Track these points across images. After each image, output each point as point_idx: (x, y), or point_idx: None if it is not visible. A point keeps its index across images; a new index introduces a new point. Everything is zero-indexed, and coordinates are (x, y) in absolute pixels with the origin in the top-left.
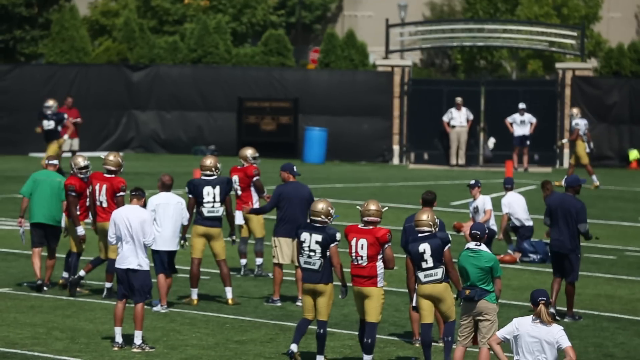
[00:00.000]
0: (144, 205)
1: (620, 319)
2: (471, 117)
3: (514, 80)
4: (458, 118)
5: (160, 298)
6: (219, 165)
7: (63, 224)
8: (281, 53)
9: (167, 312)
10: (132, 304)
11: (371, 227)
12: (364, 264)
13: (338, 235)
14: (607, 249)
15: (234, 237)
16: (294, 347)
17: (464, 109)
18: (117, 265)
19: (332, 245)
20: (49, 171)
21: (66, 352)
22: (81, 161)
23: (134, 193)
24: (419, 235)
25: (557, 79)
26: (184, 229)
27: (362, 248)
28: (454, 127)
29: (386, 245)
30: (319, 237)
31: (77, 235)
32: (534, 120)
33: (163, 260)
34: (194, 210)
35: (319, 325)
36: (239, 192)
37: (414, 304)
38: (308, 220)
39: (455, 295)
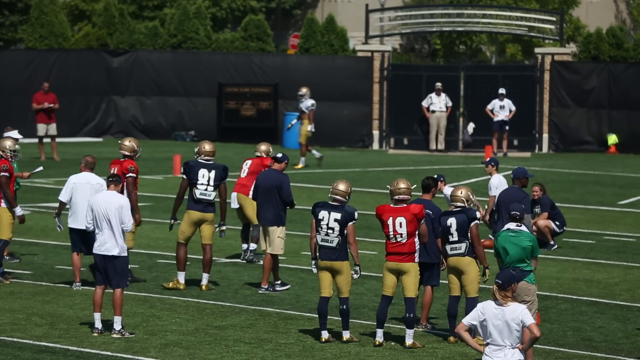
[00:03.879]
0: (121, 191)
1: (598, 303)
2: (450, 104)
3: (494, 65)
4: (437, 103)
5: (75, 276)
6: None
7: None
8: (261, 38)
9: (146, 297)
10: (111, 290)
11: (404, 205)
12: (404, 241)
13: (356, 214)
14: (585, 233)
15: (223, 228)
16: (325, 334)
17: (443, 95)
18: (95, 251)
19: (350, 223)
20: None
21: (46, 338)
22: (11, 144)
23: (110, 179)
24: (452, 209)
25: (536, 63)
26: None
27: (400, 226)
28: (433, 112)
29: (422, 221)
30: (338, 215)
31: (18, 216)
32: (513, 107)
33: (76, 239)
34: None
35: (341, 302)
36: (244, 175)
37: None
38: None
39: (481, 273)
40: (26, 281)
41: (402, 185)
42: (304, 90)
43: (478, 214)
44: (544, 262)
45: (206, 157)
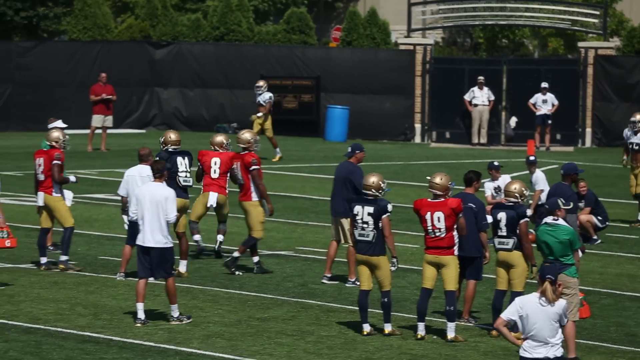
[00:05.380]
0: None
1: None
2: (492, 97)
3: (536, 59)
4: (480, 97)
5: (121, 266)
6: None
7: (41, 202)
8: (303, 31)
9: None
10: (156, 281)
11: (441, 200)
12: (443, 235)
13: (389, 207)
14: (629, 228)
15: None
16: (366, 328)
17: (485, 88)
18: (139, 243)
19: (383, 216)
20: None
21: (89, 328)
22: (61, 135)
23: (156, 173)
24: (506, 203)
25: (580, 57)
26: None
27: (439, 221)
28: (475, 105)
29: (460, 215)
30: (370, 209)
31: (74, 181)
32: (556, 102)
33: (133, 232)
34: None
35: (382, 295)
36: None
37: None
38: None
39: (529, 270)
40: (70, 271)
41: (437, 180)
42: (260, 83)
43: (529, 212)
44: (587, 256)
45: (174, 147)
